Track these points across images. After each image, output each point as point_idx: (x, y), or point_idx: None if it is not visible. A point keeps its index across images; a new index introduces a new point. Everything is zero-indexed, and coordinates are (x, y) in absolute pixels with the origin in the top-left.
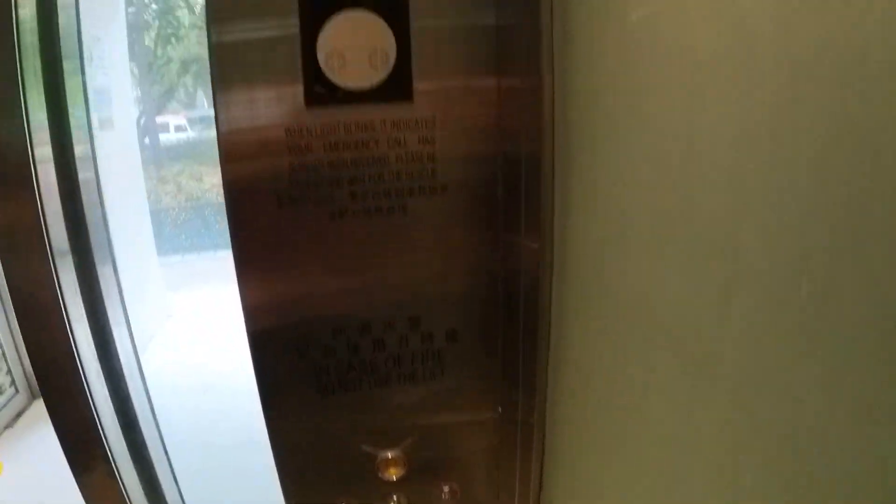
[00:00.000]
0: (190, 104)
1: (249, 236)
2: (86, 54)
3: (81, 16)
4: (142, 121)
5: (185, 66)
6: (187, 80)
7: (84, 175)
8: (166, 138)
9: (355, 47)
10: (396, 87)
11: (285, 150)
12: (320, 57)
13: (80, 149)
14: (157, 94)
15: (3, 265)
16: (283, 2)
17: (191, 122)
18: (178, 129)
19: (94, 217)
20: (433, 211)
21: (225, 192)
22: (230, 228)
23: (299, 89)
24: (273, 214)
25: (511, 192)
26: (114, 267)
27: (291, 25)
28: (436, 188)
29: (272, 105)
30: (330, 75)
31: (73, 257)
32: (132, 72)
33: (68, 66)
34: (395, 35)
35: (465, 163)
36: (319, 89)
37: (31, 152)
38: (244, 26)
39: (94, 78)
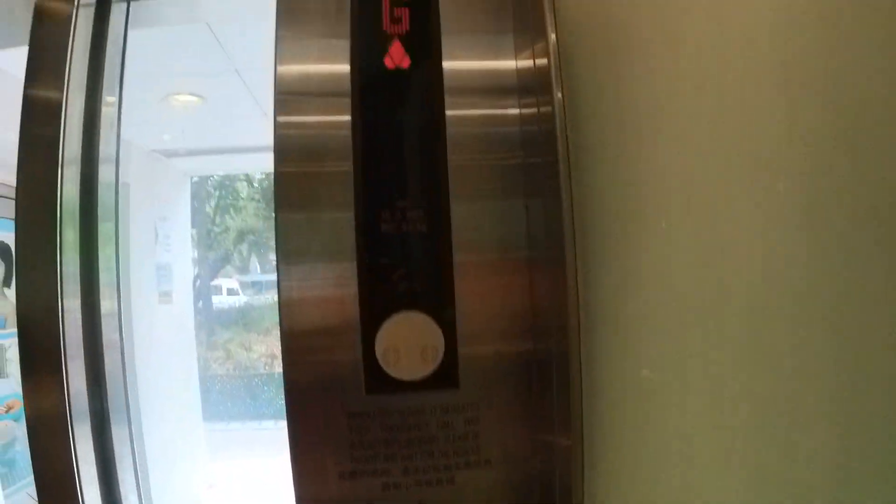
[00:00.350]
0: (243, 269)
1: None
2: (152, 233)
3: (151, 198)
4: (196, 283)
5: (241, 235)
6: (242, 247)
7: (109, 336)
8: (218, 301)
9: (409, 344)
10: (445, 377)
11: (346, 430)
12: (378, 352)
13: (106, 305)
14: (213, 259)
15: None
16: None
17: (243, 286)
18: (231, 292)
19: (115, 378)
20: (479, 481)
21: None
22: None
23: (360, 379)
24: (331, 484)
25: (544, 394)
26: (130, 431)
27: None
28: (480, 462)
29: (335, 393)
30: (386, 368)
31: (90, 418)
32: (192, 236)
33: (105, 227)
34: (443, 333)
35: (505, 438)
36: (377, 380)
37: (61, 304)
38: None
39: (159, 255)
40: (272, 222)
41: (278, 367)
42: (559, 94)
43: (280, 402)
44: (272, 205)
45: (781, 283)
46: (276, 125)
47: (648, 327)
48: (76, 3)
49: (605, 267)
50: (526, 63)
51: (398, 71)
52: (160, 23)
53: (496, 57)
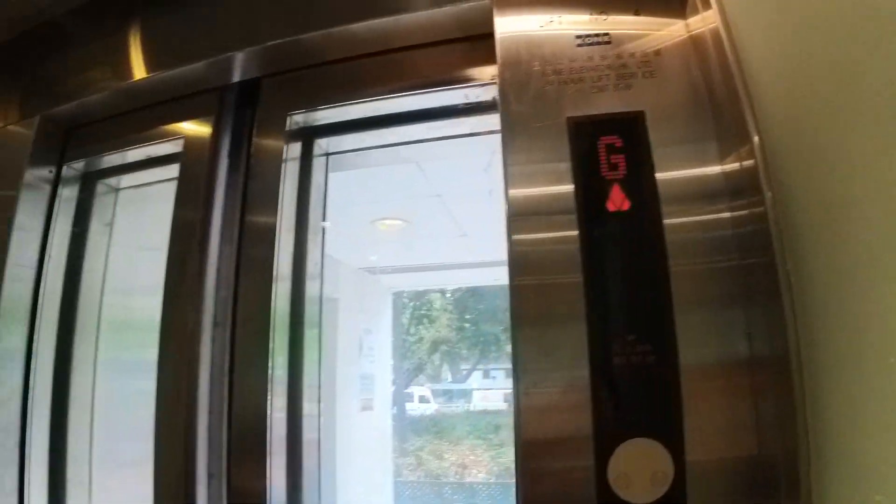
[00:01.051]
0: (435, 378)
1: None
2: (357, 344)
3: (357, 311)
4: (391, 391)
5: (434, 345)
6: (435, 357)
7: (309, 435)
8: (411, 408)
9: (640, 469)
10: (673, 500)
11: None
12: (610, 477)
13: (308, 407)
14: (407, 367)
15: None
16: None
17: (434, 393)
18: (423, 399)
19: (311, 475)
20: None
21: None
22: None
23: (592, 501)
24: None
25: None
26: None
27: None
28: None
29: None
30: (618, 492)
31: None
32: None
33: (310, 336)
34: (672, 457)
35: None
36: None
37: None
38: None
39: (362, 366)
40: (463, 333)
41: (468, 477)
42: (769, 193)
43: None
44: (463, 316)
45: None
46: (511, 242)
47: (882, 455)
48: (284, 156)
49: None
50: (732, 166)
51: (619, 214)
52: (359, 167)
53: (703, 164)
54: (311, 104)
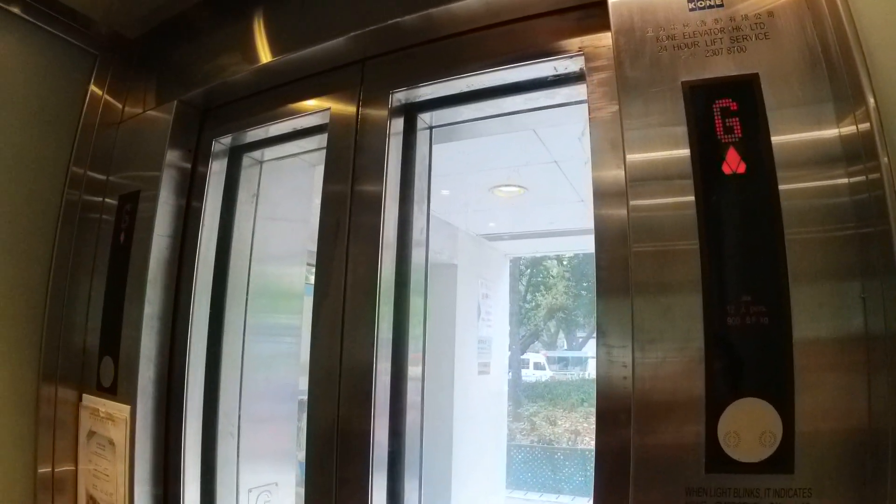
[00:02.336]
0: (550, 345)
1: None
2: (476, 309)
3: (475, 277)
4: (507, 356)
5: (550, 312)
6: (551, 324)
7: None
8: (526, 374)
9: (749, 428)
10: (781, 462)
11: (683, 492)
12: (720, 434)
13: (414, 370)
14: (523, 334)
15: None
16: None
17: (549, 360)
18: (538, 366)
19: (413, 436)
20: None
21: None
22: None
23: (701, 458)
24: None
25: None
26: (419, 484)
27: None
28: None
29: (676, 468)
30: (726, 450)
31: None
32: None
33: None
34: (782, 420)
35: None
36: (717, 461)
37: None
38: None
39: (480, 329)
40: (580, 300)
41: (580, 444)
42: (885, 159)
43: (580, 478)
44: (580, 283)
45: None
46: (631, 209)
47: None
48: (388, 130)
49: None
50: (849, 129)
51: (735, 176)
52: (472, 137)
53: (819, 127)
54: (413, 82)
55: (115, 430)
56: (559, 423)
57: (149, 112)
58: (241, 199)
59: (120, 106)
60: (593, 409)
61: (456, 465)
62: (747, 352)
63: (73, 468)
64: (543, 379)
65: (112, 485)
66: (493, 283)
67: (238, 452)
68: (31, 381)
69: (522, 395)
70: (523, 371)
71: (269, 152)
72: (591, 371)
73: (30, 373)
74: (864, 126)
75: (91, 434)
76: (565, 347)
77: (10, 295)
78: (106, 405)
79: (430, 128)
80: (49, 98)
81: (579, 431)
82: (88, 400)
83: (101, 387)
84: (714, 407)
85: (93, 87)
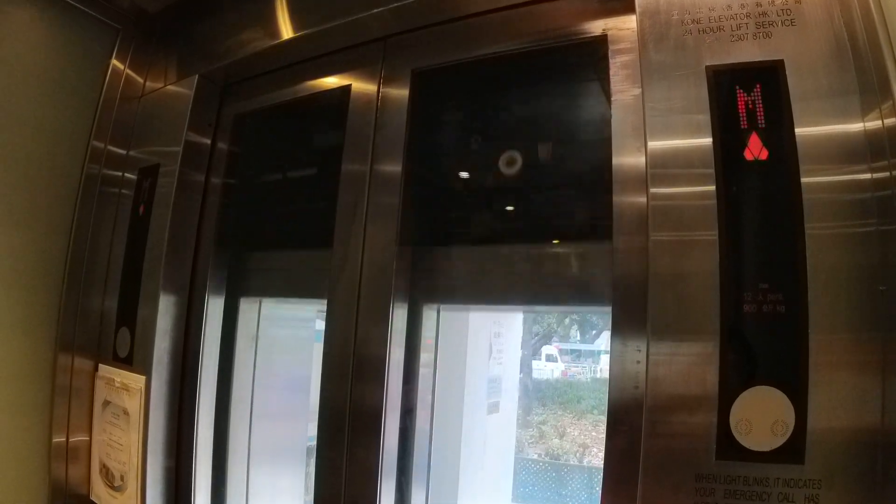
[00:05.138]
0: (564, 337)
1: None
2: (486, 348)
3: None
4: (519, 356)
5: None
6: (565, 319)
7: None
8: (538, 366)
9: (761, 417)
10: (791, 452)
11: (692, 490)
12: (731, 421)
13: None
14: (536, 332)
15: None
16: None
17: (561, 352)
18: (549, 358)
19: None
20: None
21: None
22: None
23: (712, 445)
24: None
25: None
26: (427, 485)
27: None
28: None
29: (687, 453)
30: (738, 437)
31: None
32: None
33: None
34: (794, 410)
35: None
36: (728, 448)
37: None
38: None
39: (491, 368)
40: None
41: (587, 461)
42: None
43: (587, 498)
44: None
45: None
46: (650, 196)
47: None
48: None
49: None
50: (874, 124)
51: (757, 162)
52: None
53: (844, 119)
54: (434, 60)
55: (130, 399)
56: (568, 432)
57: (170, 86)
58: None
59: (141, 80)
60: (604, 418)
61: (464, 465)
62: (763, 339)
63: (87, 438)
64: (555, 375)
65: (126, 454)
66: (507, 320)
67: (250, 429)
68: (49, 351)
69: (533, 396)
70: (535, 363)
71: None
72: (603, 367)
73: (47, 342)
74: (890, 121)
75: (106, 403)
76: (578, 339)
77: (31, 266)
78: (121, 375)
79: None
80: (70, 72)
81: (587, 445)
82: (104, 370)
83: (118, 357)
84: (727, 393)
85: (114, 62)
